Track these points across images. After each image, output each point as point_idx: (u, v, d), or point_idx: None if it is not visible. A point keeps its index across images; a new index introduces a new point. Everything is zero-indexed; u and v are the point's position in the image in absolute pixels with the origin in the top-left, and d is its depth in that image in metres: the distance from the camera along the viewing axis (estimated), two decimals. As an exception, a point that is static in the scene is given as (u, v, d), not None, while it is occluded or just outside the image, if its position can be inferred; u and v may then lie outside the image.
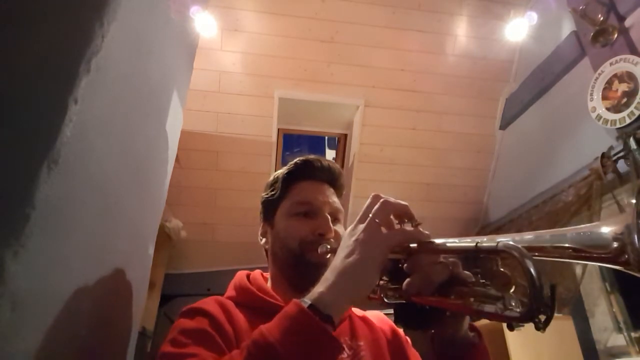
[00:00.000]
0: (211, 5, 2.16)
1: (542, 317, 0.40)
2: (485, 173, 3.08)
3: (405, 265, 0.56)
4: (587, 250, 0.40)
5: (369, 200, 0.58)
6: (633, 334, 1.98)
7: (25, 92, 0.52)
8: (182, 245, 2.83)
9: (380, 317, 0.85)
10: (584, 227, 0.42)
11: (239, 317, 0.68)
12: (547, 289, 0.40)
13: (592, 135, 2.12)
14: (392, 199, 0.57)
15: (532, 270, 0.40)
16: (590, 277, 2.17)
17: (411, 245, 0.55)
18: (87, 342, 0.64)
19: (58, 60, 0.54)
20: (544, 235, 0.45)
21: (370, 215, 0.55)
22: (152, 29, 0.84)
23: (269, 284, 0.80)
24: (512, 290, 0.46)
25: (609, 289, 2.12)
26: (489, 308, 0.46)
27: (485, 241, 0.47)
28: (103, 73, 0.60)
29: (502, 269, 0.47)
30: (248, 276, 0.80)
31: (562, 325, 2.11)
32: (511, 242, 0.44)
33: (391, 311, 0.60)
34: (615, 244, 0.37)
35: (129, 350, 0.85)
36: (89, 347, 0.65)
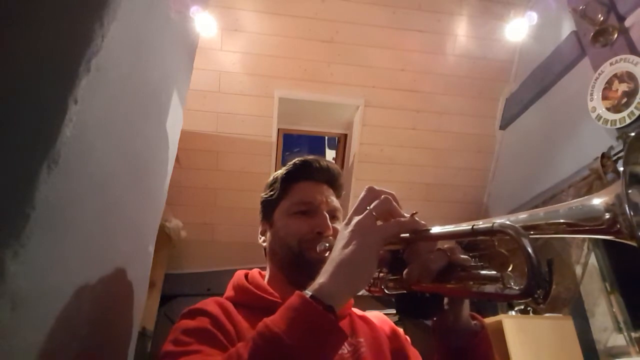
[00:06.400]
0: (211, 5, 2.16)
1: (542, 292, 0.40)
2: (485, 173, 3.08)
3: (404, 255, 0.56)
4: (581, 224, 0.41)
5: (363, 193, 0.58)
6: (633, 334, 1.98)
7: (25, 92, 0.52)
8: (182, 245, 2.83)
9: (380, 317, 0.85)
10: (575, 201, 0.42)
11: (239, 317, 0.69)
12: (544, 264, 0.41)
13: (592, 135, 2.12)
14: (383, 189, 0.58)
15: (528, 247, 0.40)
16: (590, 277, 2.17)
17: (408, 234, 0.55)
18: (87, 342, 0.64)
19: (58, 60, 0.54)
20: (538, 214, 0.46)
21: (369, 208, 0.55)
22: (152, 29, 0.84)
23: (265, 281, 0.80)
24: (509, 269, 0.46)
25: (609, 289, 2.12)
26: (489, 289, 0.46)
27: (482, 223, 0.47)
28: (103, 73, 0.60)
29: (499, 250, 0.48)
30: (246, 275, 0.81)
31: (562, 325, 2.09)
32: (507, 222, 0.44)
33: (391, 311, 0.60)
34: (607, 215, 0.37)
35: (129, 350, 0.85)
36: (89, 347, 0.65)
